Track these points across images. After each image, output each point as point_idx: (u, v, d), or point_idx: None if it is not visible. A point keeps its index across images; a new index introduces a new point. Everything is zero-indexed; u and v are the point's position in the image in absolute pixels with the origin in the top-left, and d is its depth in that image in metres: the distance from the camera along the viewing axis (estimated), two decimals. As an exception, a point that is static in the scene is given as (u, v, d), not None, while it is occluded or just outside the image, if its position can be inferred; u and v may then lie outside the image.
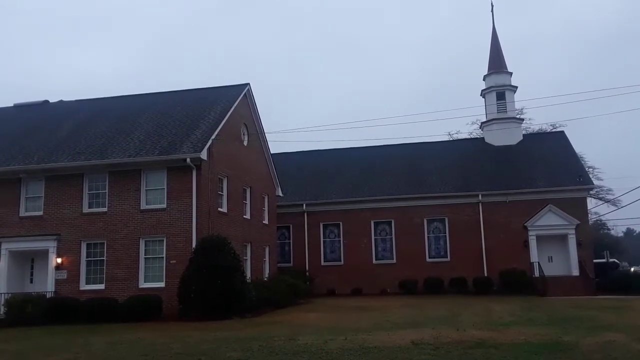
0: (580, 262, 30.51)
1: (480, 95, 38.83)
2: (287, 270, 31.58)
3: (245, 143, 27.69)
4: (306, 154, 39.09)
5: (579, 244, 30.88)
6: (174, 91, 29.46)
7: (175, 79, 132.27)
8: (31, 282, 23.61)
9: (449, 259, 32.59)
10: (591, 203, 42.45)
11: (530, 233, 31.66)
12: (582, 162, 38.87)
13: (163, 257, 21.90)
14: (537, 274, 30.00)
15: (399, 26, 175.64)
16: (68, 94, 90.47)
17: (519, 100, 41.28)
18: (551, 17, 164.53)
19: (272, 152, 31.61)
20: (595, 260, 32.76)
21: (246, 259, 25.94)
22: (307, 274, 32.47)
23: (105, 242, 22.39)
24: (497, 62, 38.41)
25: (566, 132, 37.79)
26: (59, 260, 22.49)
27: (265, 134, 30.21)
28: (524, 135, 37.90)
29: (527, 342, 12.20)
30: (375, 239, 33.87)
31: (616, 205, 46.02)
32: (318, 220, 34.46)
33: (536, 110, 77.96)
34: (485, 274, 31.21)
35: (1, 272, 22.79)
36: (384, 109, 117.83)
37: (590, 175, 37.44)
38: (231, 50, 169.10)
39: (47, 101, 31.28)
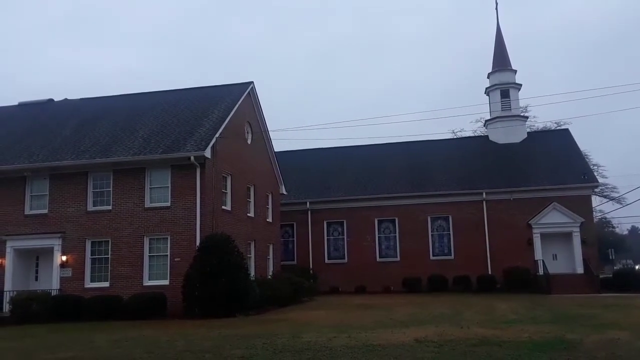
0: (584, 260, 30.44)
1: (485, 93, 38.74)
2: (291, 268, 31.63)
3: (249, 141, 27.71)
4: (310, 152, 39.08)
5: (583, 242, 30.81)
6: (177, 89, 29.50)
7: (179, 77, 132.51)
8: (36, 279, 23.73)
9: (452, 257, 32.57)
10: (596, 201, 42.42)
11: (534, 231, 31.61)
12: (587, 160, 38.74)
13: (167, 255, 21.97)
14: (541, 272, 29.94)
15: (400, 25, 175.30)
16: (73, 92, 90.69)
17: (523, 98, 41.24)
18: (556, 14, 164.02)
19: (276, 150, 31.63)
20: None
21: (250, 257, 25.98)
22: (311, 271, 32.48)
23: (110, 240, 22.47)
24: (501, 60, 38.30)
25: (571, 130, 37.72)
26: (64, 258, 22.57)
27: (269, 132, 30.25)
28: (528, 133, 37.81)
29: (530, 339, 12.18)
30: (379, 237, 33.89)
31: (621, 203, 45.97)
32: (322, 218, 34.48)
33: (540, 108, 77.73)
34: (489, 272, 31.17)
35: (6, 270, 22.90)
36: (388, 107, 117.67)
37: (595, 173, 37.34)
38: (242, 50, 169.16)
39: (51, 100, 31.37)
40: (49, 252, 22.93)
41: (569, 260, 31.14)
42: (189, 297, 19.72)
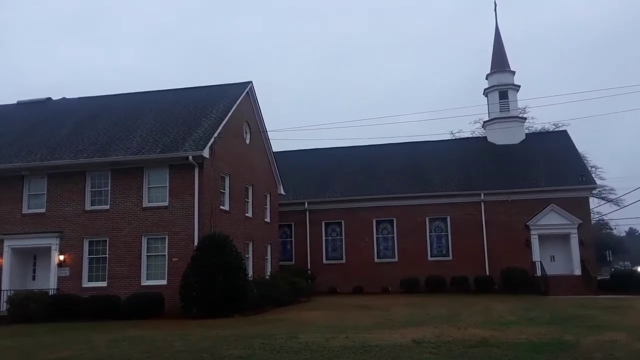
0: (582, 261, 30.49)
1: (483, 94, 38.78)
2: (289, 268, 31.63)
3: (247, 141, 27.70)
4: (308, 152, 39.11)
5: (581, 244, 30.86)
6: (176, 89, 29.50)
7: (180, 77, 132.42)
8: (33, 279, 23.68)
9: (450, 257, 32.59)
10: (593, 203, 42.46)
11: (532, 232, 31.65)
12: (585, 161, 38.81)
13: (165, 254, 21.95)
14: (539, 273, 30.01)
15: (399, 25, 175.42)
16: (71, 90, 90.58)
17: (521, 99, 41.32)
18: (554, 15, 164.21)
19: (275, 150, 31.63)
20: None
21: (248, 257, 25.96)
22: (309, 272, 32.49)
23: (108, 239, 22.44)
24: (500, 61, 38.35)
25: (569, 132, 37.77)
26: (62, 257, 22.54)
27: (268, 132, 30.25)
28: (526, 134, 37.87)
29: (528, 341, 12.20)
30: (377, 238, 33.91)
31: (618, 205, 46.01)
32: (320, 218, 34.49)
33: (539, 109, 77.84)
34: (487, 273, 31.21)
35: (4, 269, 22.85)
36: (388, 107, 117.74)
37: (593, 175, 37.38)
38: (244, 50, 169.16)
39: (49, 98, 31.36)
40: (47, 251, 22.89)
41: (567, 262, 31.19)
42: (187, 297, 19.70)
